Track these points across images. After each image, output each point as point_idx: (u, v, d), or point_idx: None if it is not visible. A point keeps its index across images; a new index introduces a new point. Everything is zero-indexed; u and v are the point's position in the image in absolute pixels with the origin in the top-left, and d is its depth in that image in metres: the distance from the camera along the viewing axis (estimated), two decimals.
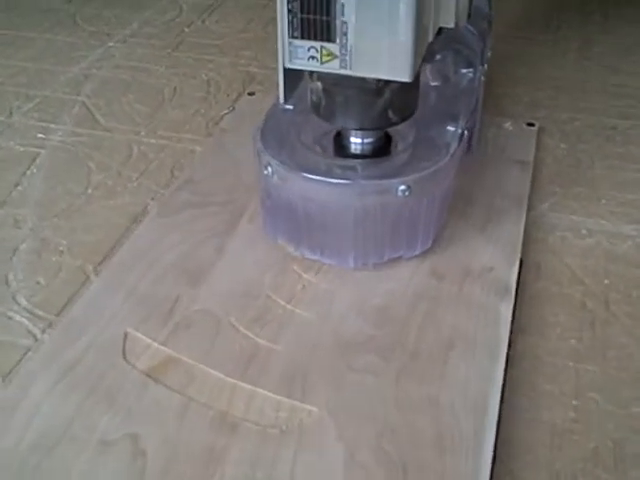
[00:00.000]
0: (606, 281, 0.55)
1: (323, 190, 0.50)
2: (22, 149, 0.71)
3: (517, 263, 0.54)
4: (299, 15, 0.47)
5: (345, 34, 0.47)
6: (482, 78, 0.64)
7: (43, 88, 0.82)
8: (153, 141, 0.72)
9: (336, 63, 0.48)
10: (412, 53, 0.46)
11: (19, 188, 0.66)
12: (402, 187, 0.50)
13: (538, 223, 0.61)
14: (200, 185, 0.63)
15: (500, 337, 0.48)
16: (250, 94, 0.77)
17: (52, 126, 0.75)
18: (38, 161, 0.69)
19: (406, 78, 0.47)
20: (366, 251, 0.53)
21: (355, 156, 0.54)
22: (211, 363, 0.46)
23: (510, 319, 0.50)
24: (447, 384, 0.45)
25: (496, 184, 0.62)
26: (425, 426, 0.43)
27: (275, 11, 0.46)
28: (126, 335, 0.49)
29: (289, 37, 0.48)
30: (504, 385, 0.46)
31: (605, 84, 0.81)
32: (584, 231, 0.60)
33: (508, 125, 0.70)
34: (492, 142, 0.68)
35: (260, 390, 0.45)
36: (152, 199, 0.64)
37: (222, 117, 0.75)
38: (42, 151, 0.71)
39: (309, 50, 0.48)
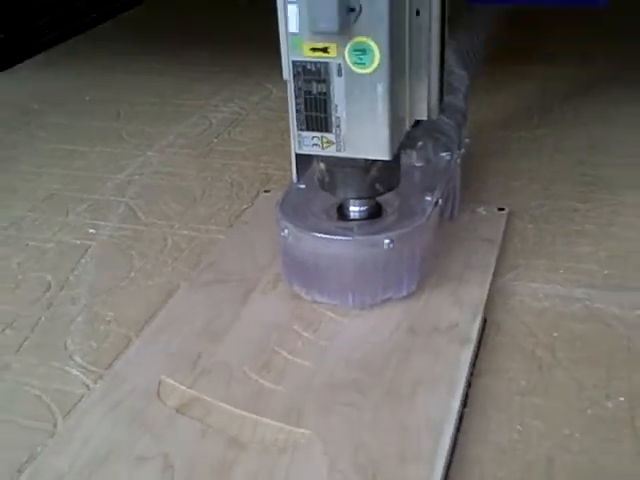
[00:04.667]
0: (555, 334, 0.66)
1: (327, 245, 0.65)
2: (78, 242, 0.86)
3: (478, 320, 0.66)
4: (304, 113, 0.62)
5: (339, 126, 0.61)
6: (458, 160, 0.78)
7: (94, 192, 0.97)
8: (185, 232, 0.86)
9: (333, 148, 0.63)
10: (389, 138, 0.61)
11: (75, 273, 0.80)
12: (387, 241, 0.64)
13: (502, 290, 0.72)
14: (222, 266, 0.76)
15: (459, 377, 0.60)
16: (266, 191, 0.92)
17: (101, 223, 0.90)
18: (90, 251, 0.84)
19: (386, 157, 0.61)
20: (362, 293, 0.67)
21: (353, 220, 0.68)
22: (226, 400, 0.59)
23: (469, 363, 0.61)
24: (413, 413, 0.56)
25: (466, 258, 0.74)
26: (393, 444, 0.54)
27: (289, 124, 0.61)
28: (160, 382, 0.61)
29: (298, 130, 0.63)
30: (462, 414, 0.57)
31: (572, 174, 0.94)
32: (541, 295, 0.72)
33: (481, 210, 0.82)
34: (466, 224, 0.80)
35: (264, 419, 0.57)
36: (184, 280, 0.77)
37: (243, 211, 0.89)
38: (93, 243, 0.85)
39: (313, 139, 0.63)
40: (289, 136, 0.63)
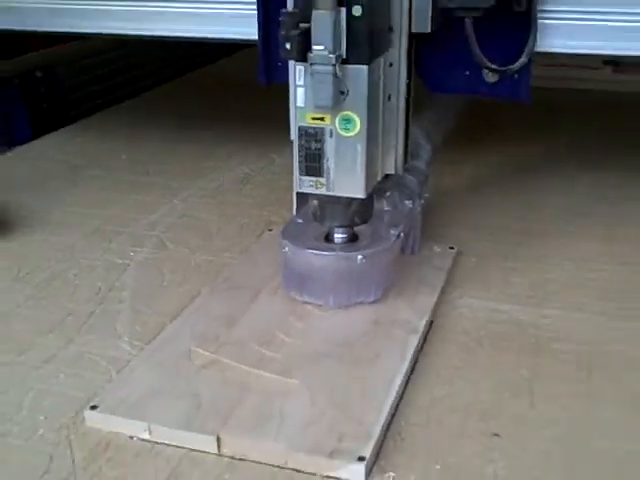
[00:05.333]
0: (482, 332, 0.89)
1: (315, 259, 0.88)
2: (120, 261, 1.09)
3: (425, 319, 0.89)
4: (304, 163, 0.86)
5: (329, 173, 0.86)
6: (419, 208, 1.02)
7: (130, 227, 1.21)
8: (205, 257, 1.10)
9: (324, 189, 0.87)
10: (364, 183, 0.85)
11: (120, 281, 1.03)
12: (360, 257, 0.88)
13: (446, 303, 0.96)
14: (235, 279, 1.00)
15: (407, 352, 0.82)
16: (269, 230, 1.16)
17: (138, 249, 1.13)
18: (130, 268, 1.07)
19: (362, 195, 0.86)
20: (340, 296, 0.90)
21: (336, 243, 0.92)
22: (238, 361, 0.81)
23: (415, 345, 0.84)
24: (372, 372, 0.79)
25: (421, 278, 0.98)
26: (357, 390, 0.76)
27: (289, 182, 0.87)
28: (190, 350, 0.84)
29: (299, 175, 0.87)
30: (409, 376, 0.80)
31: (511, 226, 1.18)
32: (475, 307, 0.95)
33: (437, 248, 1.06)
34: (424, 257, 1.04)
35: (265, 373, 0.79)
36: (205, 287, 1.00)
37: (251, 244, 1.13)
38: (132, 263, 1.09)
39: (309, 182, 0.87)
40: (289, 192, 0.88)
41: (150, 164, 1.49)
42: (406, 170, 1.01)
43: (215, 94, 2.01)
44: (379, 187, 0.98)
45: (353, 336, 0.86)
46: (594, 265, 1.06)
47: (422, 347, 0.86)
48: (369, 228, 0.94)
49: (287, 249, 0.91)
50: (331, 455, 0.68)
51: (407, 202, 1.02)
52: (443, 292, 0.98)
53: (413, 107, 0.97)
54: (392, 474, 0.69)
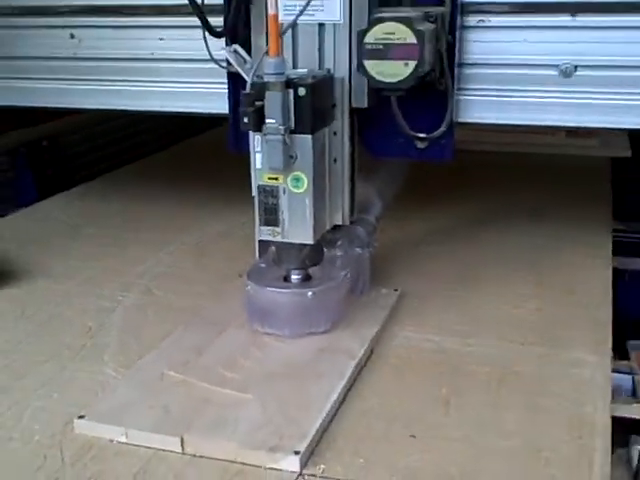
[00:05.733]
0: (413, 356, 1.05)
1: (274, 296, 1.05)
2: (110, 305, 1.26)
3: (365, 347, 1.05)
4: (264, 215, 1.03)
5: (283, 223, 1.03)
6: (367, 255, 1.19)
7: (121, 277, 1.37)
8: (186, 301, 1.26)
9: (280, 236, 1.04)
10: (313, 231, 1.02)
11: (106, 323, 1.19)
12: (310, 293, 1.04)
13: (386, 335, 1.12)
14: (207, 317, 1.16)
15: (346, 372, 0.98)
16: (240, 276, 1.32)
17: (126, 294, 1.29)
18: (118, 310, 1.23)
19: (310, 241, 1.03)
20: (295, 327, 1.06)
21: (292, 282, 1.08)
22: (204, 381, 0.97)
23: (353, 366, 1.00)
24: (314, 388, 0.94)
25: (366, 314, 1.14)
26: (303, 403, 0.92)
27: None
28: (162, 373, 0.99)
29: (259, 225, 1.04)
30: (349, 388, 0.95)
31: (450, 273, 1.34)
32: (411, 338, 1.11)
33: (383, 290, 1.23)
34: (370, 297, 1.20)
35: (226, 390, 0.95)
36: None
37: (224, 290, 1.29)
38: (120, 306, 1.25)
39: (268, 231, 1.04)
40: None
41: (142, 222, 1.67)
42: (356, 222, 1.19)
43: (205, 160, 2.19)
44: (332, 237, 1.15)
45: (302, 361, 1.02)
46: (519, 303, 1.22)
47: (361, 370, 1.02)
48: (321, 270, 1.11)
49: (249, 288, 1.07)
50: (272, 450, 0.83)
51: (357, 249, 1.19)
52: (384, 326, 1.13)
53: (365, 168, 1.15)
54: (322, 466, 0.84)
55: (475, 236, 1.52)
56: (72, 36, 1.31)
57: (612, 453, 0.91)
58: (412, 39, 0.93)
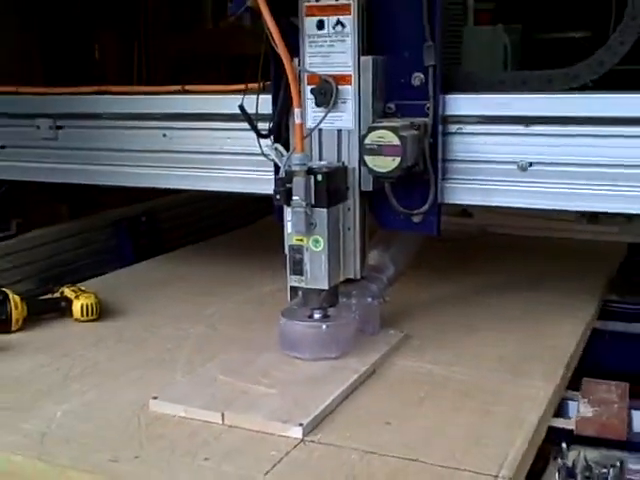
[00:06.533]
0: (406, 377, 1.39)
1: (298, 327, 1.44)
2: (182, 334, 1.65)
3: (367, 367, 1.40)
4: (292, 267, 1.42)
5: (307, 273, 1.41)
6: (377, 304, 1.55)
7: (195, 317, 1.77)
8: (239, 336, 1.64)
9: (304, 283, 1.43)
10: (328, 280, 1.39)
11: (180, 344, 1.59)
12: (324, 326, 1.42)
13: (389, 362, 1.46)
14: (255, 342, 1.54)
15: (348, 380, 1.33)
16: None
17: (197, 327, 1.69)
18: (190, 337, 1.63)
19: (325, 287, 1.40)
20: (313, 352, 1.42)
21: (314, 318, 1.45)
22: (245, 382, 1.34)
23: (354, 378, 1.35)
24: (323, 389, 1.30)
25: (375, 346, 1.49)
26: (311, 396, 1.27)
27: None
28: (216, 378, 1.37)
29: (289, 274, 1.43)
30: (351, 392, 1.31)
31: (452, 321, 1.68)
32: (408, 365, 1.45)
33: (391, 331, 1.58)
34: (379, 336, 1.55)
35: (260, 387, 1.31)
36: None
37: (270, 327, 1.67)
38: (191, 335, 1.64)
39: (295, 279, 1.42)
40: None
41: (215, 280, 2.08)
42: (370, 279, 1.56)
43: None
44: (348, 289, 1.52)
45: (316, 374, 1.38)
46: (500, 346, 1.54)
47: (362, 382, 1.37)
48: (337, 312, 1.48)
49: (282, 322, 1.45)
50: (284, 422, 1.19)
51: (368, 299, 1.55)
52: (388, 356, 1.48)
53: (384, 241, 1.53)
54: (320, 435, 1.19)
55: (478, 298, 1.86)
56: (164, 135, 1.77)
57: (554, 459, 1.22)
58: (397, 142, 1.33)
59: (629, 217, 2.30)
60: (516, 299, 1.84)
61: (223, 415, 1.23)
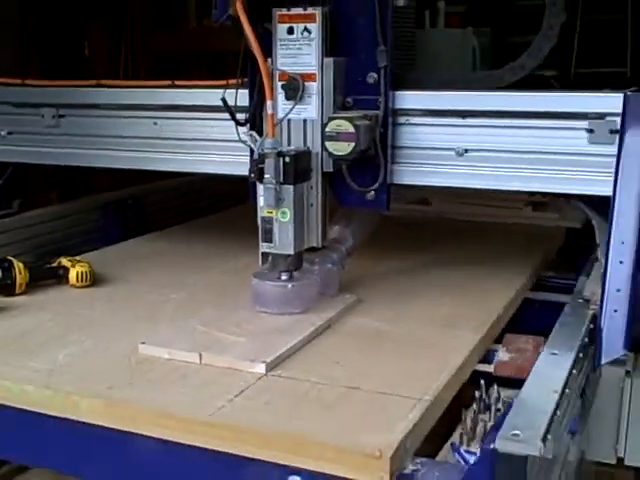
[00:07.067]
0: (354, 331, 1.64)
1: (267, 287, 1.68)
2: (165, 298, 1.89)
3: (323, 322, 1.64)
4: (264, 236, 1.67)
5: (275, 240, 1.66)
6: (336, 270, 1.79)
7: (177, 285, 2.01)
8: (216, 299, 1.88)
9: (273, 249, 1.67)
10: (293, 245, 1.65)
11: (164, 306, 1.82)
12: (289, 286, 1.66)
13: (343, 319, 1.71)
14: (231, 301, 1.78)
15: (306, 330, 1.58)
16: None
17: (178, 294, 1.93)
18: (172, 300, 1.87)
19: (291, 252, 1.65)
20: (280, 308, 1.68)
21: (281, 279, 1.70)
22: (218, 330, 1.58)
23: (311, 330, 1.59)
24: (284, 337, 1.55)
25: (333, 305, 1.74)
26: (274, 342, 1.52)
27: None
28: (194, 328, 1.61)
29: (261, 242, 1.67)
30: (308, 341, 1.55)
31: (396, 289, 1.93)
32: (358, 322, 1.70)
33: (346, 295, 1.82)
34: (337, 298, 1.80)
35: (230, 336, 1.56)
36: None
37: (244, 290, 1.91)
38: (173, 299, 1.88)
39: (266, 245, 1.67)
40: None
41: (196, 256, 2.32)
42: (331, 249, 1.81)
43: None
44: (312, 257, 1.76)
45: (281, 326, 1.62)
46: (438, 307, 1.80)
47: (319, 334, 1.61)
48: (301, 275, 1.72)
49: (254, 282, 1.69)
50: (251, 360, 1.44)
51: (329, 265, 1.80)
52: (343, 314, 1.73)
53: (344, 217, 1.77)
54: (280, 371, 1.43)
55: (424, 271, 2.11)
56: (155, 123, 2.01)
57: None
58: (352, 129, 1.58)
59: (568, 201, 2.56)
60: (458, 272, 2.09)
61: (200, 355, 1.47)
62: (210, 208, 3.02)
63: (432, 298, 1.88)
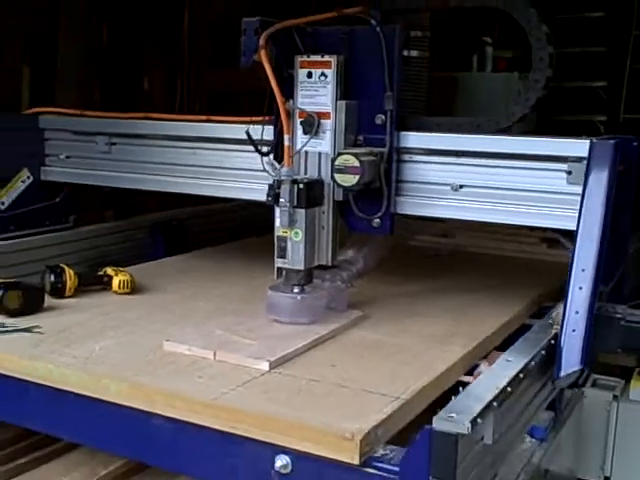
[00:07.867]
0: (357, 341, 1.85)
1: (280, 297, 1.91)
2: (194, 306, 2.13)
3: (327, 332, 1.86)
4: (278, 252, 1.90)
5: (289, 257, 1.89)
6: (344, 287, 2.01)
7: (205, 297, 2.25)
8: (237, 309, 2.12)
9: (287, 264, 1.90)
10: (303, 262, 1.87)
11: (192, 313, 2.07)
12: (299, 297, 1.88)
13: (348, 331, 1.92)
14: (248, 310, 2.01)
15: (309, 339, 1.79)
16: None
17: (206, 302, 2.17)
18: (200, 308, 2.11)
19: (302, 268, 1.88)
20: (290, 318, 1.89)
21: (293, 292, 1.93)
22: (231, 333, 1.81)
23: (315, 337, 1.81)
24: (291, 342, 1.77)
25: (339, 319, 1.95)
26: (281, 347, 1.74)
27: None
28: (212, 331, 1.85)
29: (276, 257, 1.91)
30: (312, 347, 1.77)
31: (400, 309, 2.13)
32: (361, 334, 1.91)
33: (353, 310, 2.04)
34: (344, 312, 2.01)
35: (244, 340, 1.78)
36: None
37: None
38: (201, 307, 2.13)
39: (280, 261, 1.91)
40: None
41: (227, 273, 2.56)
42: (342, 268, 2.03)
43: None
44: (323, 274, 1.99)
45: (289, 333, 1.84)
46: (436, 326, 1.99)
47: (322, 343, 1.83)
48: (312, 289, 1.94)
49: (269, 293, 1.93)
50: (256, 359, 1.66)
51: (338, 282, 2.02)
52: (347, 327, 1.94)
53: (359, 243, 2.00)
54: (281, 370, 1.65)
55: (430, 295, 2.30)
56: (194, 153, 2.29)
57: None
58: (357, 164, 1.81)
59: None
60: (462, 297, 2.28)
61: (215, 353, 1.71)
62: (247, 232, 3.28)
63: (433, 318, 2.07)
